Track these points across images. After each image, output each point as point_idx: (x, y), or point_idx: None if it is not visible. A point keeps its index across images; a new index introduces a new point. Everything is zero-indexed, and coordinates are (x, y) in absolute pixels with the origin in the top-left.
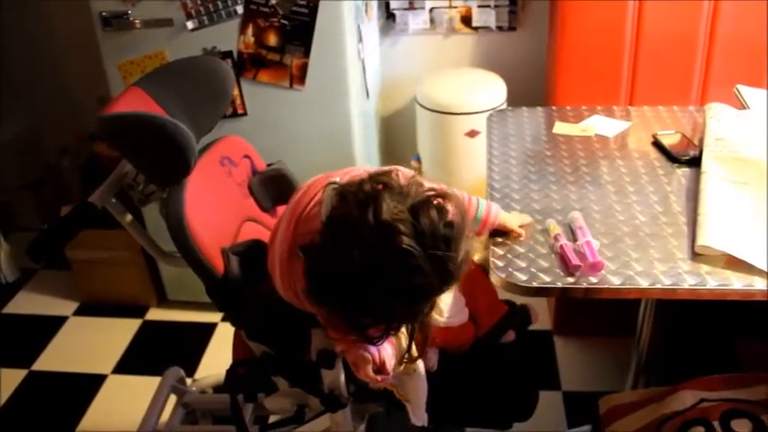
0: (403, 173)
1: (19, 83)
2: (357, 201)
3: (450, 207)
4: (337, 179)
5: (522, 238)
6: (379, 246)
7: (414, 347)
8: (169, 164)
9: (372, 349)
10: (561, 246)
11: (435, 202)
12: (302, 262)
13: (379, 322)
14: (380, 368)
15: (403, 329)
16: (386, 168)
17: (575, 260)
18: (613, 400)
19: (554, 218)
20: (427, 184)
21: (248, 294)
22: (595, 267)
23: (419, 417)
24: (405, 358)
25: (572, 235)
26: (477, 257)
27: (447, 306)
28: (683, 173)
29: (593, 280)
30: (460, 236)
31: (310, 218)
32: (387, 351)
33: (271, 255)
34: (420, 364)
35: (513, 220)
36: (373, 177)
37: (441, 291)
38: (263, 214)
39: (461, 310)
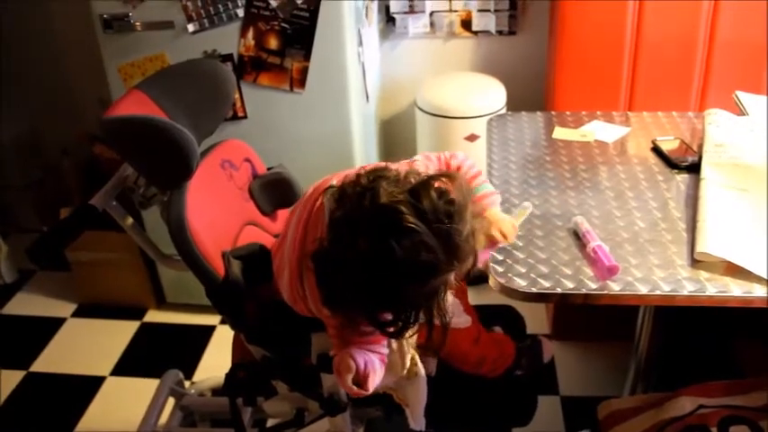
0: (401, 164)
1: (19, 84)
2: (355, 195)
3: (451, 187)
4: (334, 182)
5: (501, 243)
6: (381, 229)
7: (432, 337)
8: (171, 167)
9: (360, 360)
10: (594, 248)
11: (435, 184)
12: (314, 273)
13: (397, 312)
14: (361, 382)
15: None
16: (380, 163)
17: (610, 260)
18: (612, 406)
19: (554, 223)
20: (431, 171)
21: (248, 298)
22: (612, 271)
23: (418, 421)
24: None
25: (578, 240)
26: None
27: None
28: (682, 179)
29: (614, 286)
30: (463, 210)
31: (316, 223)
32: (375, 368)
33: (278, 260)
34: (421, 368)
35: (502, 221)
36: (368, 171)
37: (450, 266)
38: (264, 218)
39: (461, 314)
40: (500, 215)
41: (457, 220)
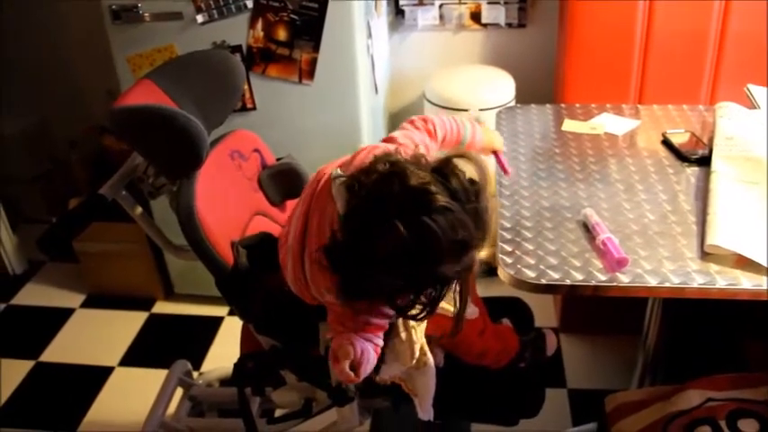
0: (387, 146)
1: (27, 75)
2: (376, 181)
3: (468, 166)
4: (339, 170)
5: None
6: (416, 210)
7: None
8: (180, 157)
9: (358, 348)
10: (604, 240)
11: (453, 163)
12: (322, 267)
13: (424, 292)
14: (355, 368)
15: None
16: (374, 146)
17: (619, 252)
18: (619, 399)
19: (563, 215)
20: (419, 143)
21: (257, 288)
22: (621, 263)
23: (426, 411)
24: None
25: (587, 232)
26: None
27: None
28: (692, 172)
29: (623, 278)
30: (485, 188)
31: (315, 213)
32: (369, 358)
33: (283, 251)
34: (430, 358)
35: (494, 138)
36: (381, 158)
37: (481, 242)
38: (273, 208)
39: (468, 305)
40: (487, 136)
41: (482, 198)
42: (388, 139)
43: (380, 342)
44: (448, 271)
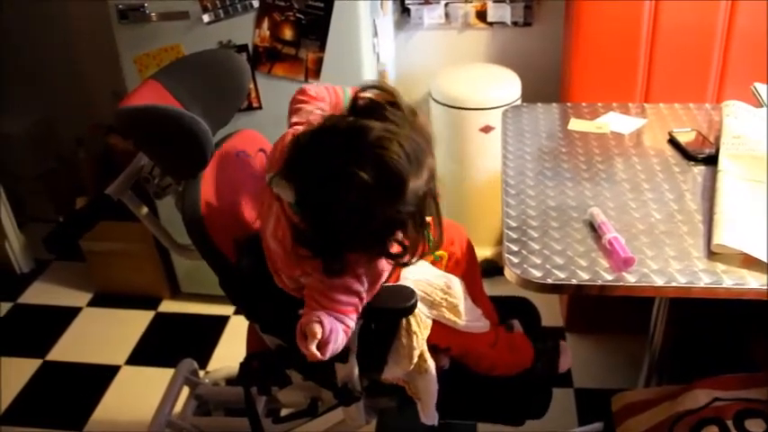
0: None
1: (34, 74)
2: (314, 149)
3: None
4: (269, 174)
5: None
6: (363, 149)
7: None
8: (185, 157)
9: (327, 326)
10: (610, 240)
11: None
12: (300, 257)
13: (412, 220)
14: (320, 347)
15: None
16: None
17: (625, 252)
18: (626, 398)
19: (569, 215)
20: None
21: (262, 287)
22: (628, 263)
23: (429, 415)
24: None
25: (593, 231)
26: (489, 253)
27: (464, 310)
28: (698, 171)
29: (629, 278)
30: (402, 102)
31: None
32: (338, 338)
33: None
34: (431, 365)
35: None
36: (302, 134)
37: (430, 147)
38: None
39: (479, 318)
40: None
41: (405, 110)
42: (293, 125)
43: (352, 324)
44: (417, 190)
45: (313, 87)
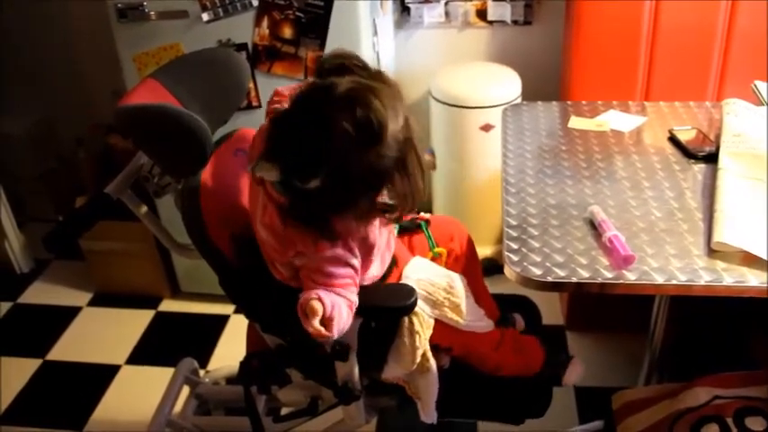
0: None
1: (33, 74)
2: (291, 121)
3: None
4: (250, 165)
5: None
6: (336, 103)
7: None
8: (184, 156)
9: (327, 302)
10: (610, 238)
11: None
12: (297, 230)
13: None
14: (326, 325)
15: None
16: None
17: (626, 250)
18: (626, 396)
19: (569, 213)
20: None
21: (261, 283)
22: (628, 261)
23: (429, 415)
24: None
25: (593, 229)
26: (489, 252)
27: (465, 309)
28: (699, 169)
29: (630, 276)
30: (358, 58)
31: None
32: (342, 312)
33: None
34: (433, 364)
35: None
36: (275, 114)
37: (399, 93)
38: None
39: (481, 317)
40: None
41: (365, 64)
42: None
43: (354, 298)
44: (396, 134)
45: (286, 88)
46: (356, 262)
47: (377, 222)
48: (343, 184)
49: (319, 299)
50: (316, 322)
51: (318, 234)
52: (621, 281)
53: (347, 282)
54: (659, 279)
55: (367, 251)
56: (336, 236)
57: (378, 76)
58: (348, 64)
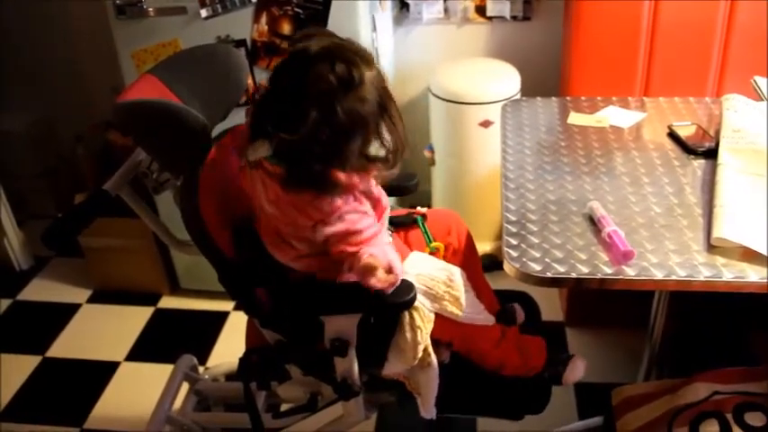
0: None
1: (33, 71)
2: (276, 89)
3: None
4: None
5: None
6: (314, 59)
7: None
8: (183, 152)
9: (378, 252)
10: (610, 233)
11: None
12: (303, 200)
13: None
14: (391, 270)
15: None
16: None
17: (625, 245)
18: (626, 392)
19: (569, 208)
20: None
21: (259, 279)
22: (627, 256)
23: (428, 410)
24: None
25: (593, 225)
26: (488, 248)
27: (465, 301)
28: (698, 164)
29: (629, 271)
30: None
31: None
32: (392, 254)
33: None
34: (434, 359)
35: None
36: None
37: (371, 56)
38: None
39: (481, 311)
40: None
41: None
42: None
43: (390, 239)
44: (373, 80)
45: None
46: (369, 210)
47: (374, 181)
48: (331, 131)
49: (370, 255)
50: (380, 273)
51: (322, 191)
52: (621, 276)
53: (375, 231)
54: (659, 274)
55: (374, 204)
56: (339, 188)
57: (349, 41)
58: (317, 34)
